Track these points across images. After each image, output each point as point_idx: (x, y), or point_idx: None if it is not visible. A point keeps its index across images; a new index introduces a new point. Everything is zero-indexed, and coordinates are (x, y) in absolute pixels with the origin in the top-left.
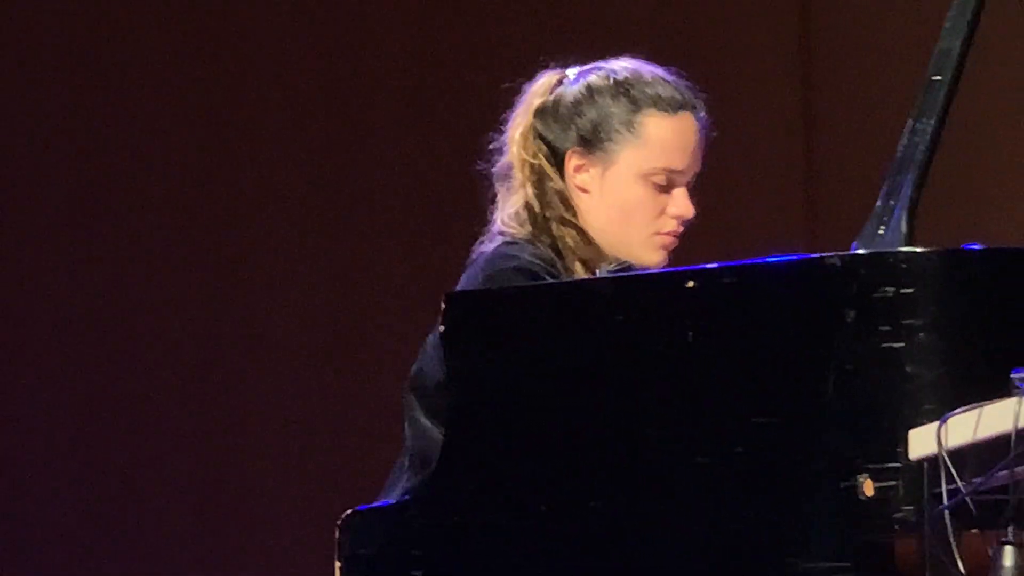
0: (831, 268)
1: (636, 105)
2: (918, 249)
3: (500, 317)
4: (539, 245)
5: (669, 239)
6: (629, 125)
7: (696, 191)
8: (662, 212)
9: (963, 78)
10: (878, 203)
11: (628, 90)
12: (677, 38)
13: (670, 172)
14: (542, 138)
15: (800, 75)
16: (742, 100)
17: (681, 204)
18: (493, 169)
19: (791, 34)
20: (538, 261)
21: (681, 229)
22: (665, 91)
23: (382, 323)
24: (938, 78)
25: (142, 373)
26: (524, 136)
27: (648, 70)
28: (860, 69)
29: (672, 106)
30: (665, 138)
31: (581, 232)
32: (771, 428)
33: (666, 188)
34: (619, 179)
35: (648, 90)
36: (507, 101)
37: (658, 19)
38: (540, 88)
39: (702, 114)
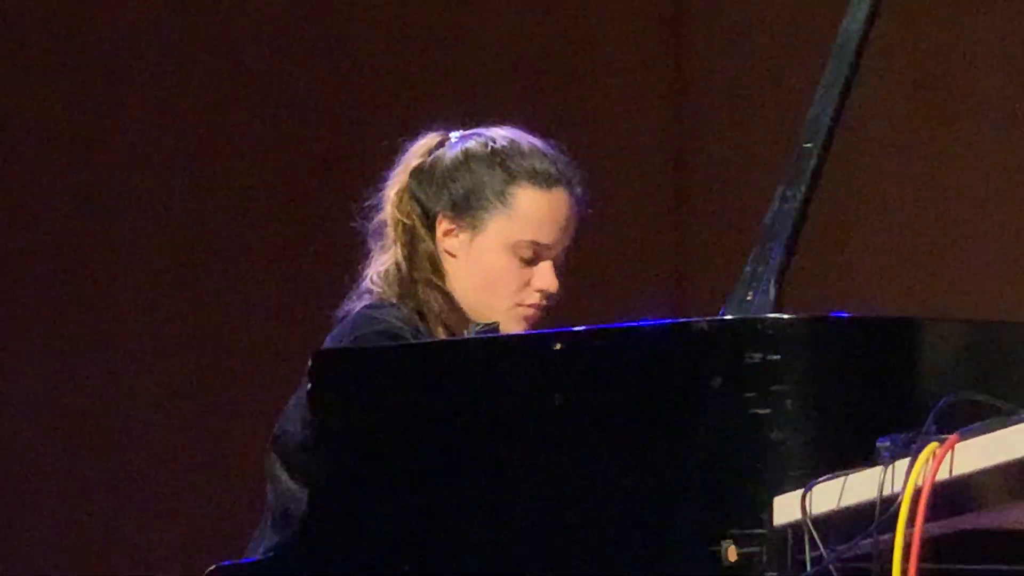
0: (698, 333)
1: (511, 176)
2: (785, 315)
3: (367, 375)
4: (403, 307)
5: (532, 311)
6: (502, 195)
7: (569, 253)
8: (526, 284)
9: (834, 145)
10: (747, 269)
11: (504, 160)
12: (549, 108)
13: (538, 245)
14: (416, 199)
15: (673, 146)
16: (614, 169)
17: (546, 278)
18: (369, 226)
19: (664, 105)
20: (402, 324)
21: (545, 303)
22: (541, 165)
23: (245, 380)
24: (808, 145)
25: None
26: (399, 195)
27: (527, 142)
28: (732, 140)
29: (546, 181)
30: (536, 212)
31: (447, 296)
32: (636, 492)
33: (532, 261)
34: (487, 247)
35: (524, 162)
36: (386, 160)
37: (532, 87)
38: (419, 149)
39: (577, 190)
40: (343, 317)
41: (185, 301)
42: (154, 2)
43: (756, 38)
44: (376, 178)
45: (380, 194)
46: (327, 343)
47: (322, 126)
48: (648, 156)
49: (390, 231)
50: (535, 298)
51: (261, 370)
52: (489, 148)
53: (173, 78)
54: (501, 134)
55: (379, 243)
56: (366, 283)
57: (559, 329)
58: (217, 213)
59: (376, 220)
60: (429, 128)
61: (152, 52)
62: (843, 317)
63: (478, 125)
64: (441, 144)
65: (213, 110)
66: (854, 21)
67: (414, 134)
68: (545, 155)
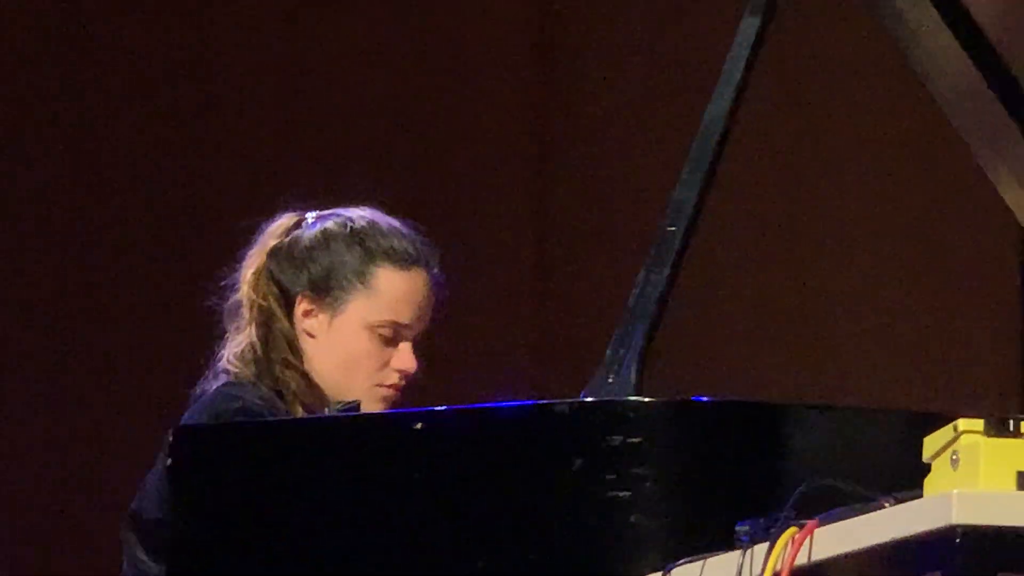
0: (559, 415)
1: (370, 256)
2: (646, 399)
3: (227, 452)
4: (261, 386)
5: (391, 392)
6: (361, 275)
7: (430, 332)
8: (386, 364)
9: (697, 229)
10: (609, 351)
11: (363, 240)
12: (409, 187)
13: (397, 326)
14: (274, 279)
15: (534, 226)
16: (475, 248)
17: (405, 358)
18: (224, 306)
19: (527, 185)
20: (260, 402)
21: (403, 383)
22: (400, 245)
23: (104, 457)
24: (672, 229)
25: None
26: (256, 276)
27: (386, 222)
28: (595, 221)
29: (405, 261)
30: (395, 292)
31: (305, 376)
32: (495, 571)
33: (392, 341)
34: (346, 328)
35: (383, 242)
36: (244, 239)
37: (391, 166)
38: (277, 229)
39: (436, 271)
40: (199, 396)
41: (38, 393)
42: None
43: (619, 118)
44: (231, 258)
45: (235, 275)
46: (184, 421)
47: (176, 205)
48: (510, 235)
49: (246, 311)
50: (394, 378)
51: (116, 435)
52: (348, 228)
53: (25, 155)
54: (359, 214)
55: (234, 323)
56: (222, 363)
57: (420, 409)
58: (75, 291)
59: (231, 300)
60: (286, 208)
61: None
62: (704, 401)
63: (336, 205)
64: (298, 225)
65: (68, 189)
66: (718, 106)
67: (271, 214)
68: (404, 235)
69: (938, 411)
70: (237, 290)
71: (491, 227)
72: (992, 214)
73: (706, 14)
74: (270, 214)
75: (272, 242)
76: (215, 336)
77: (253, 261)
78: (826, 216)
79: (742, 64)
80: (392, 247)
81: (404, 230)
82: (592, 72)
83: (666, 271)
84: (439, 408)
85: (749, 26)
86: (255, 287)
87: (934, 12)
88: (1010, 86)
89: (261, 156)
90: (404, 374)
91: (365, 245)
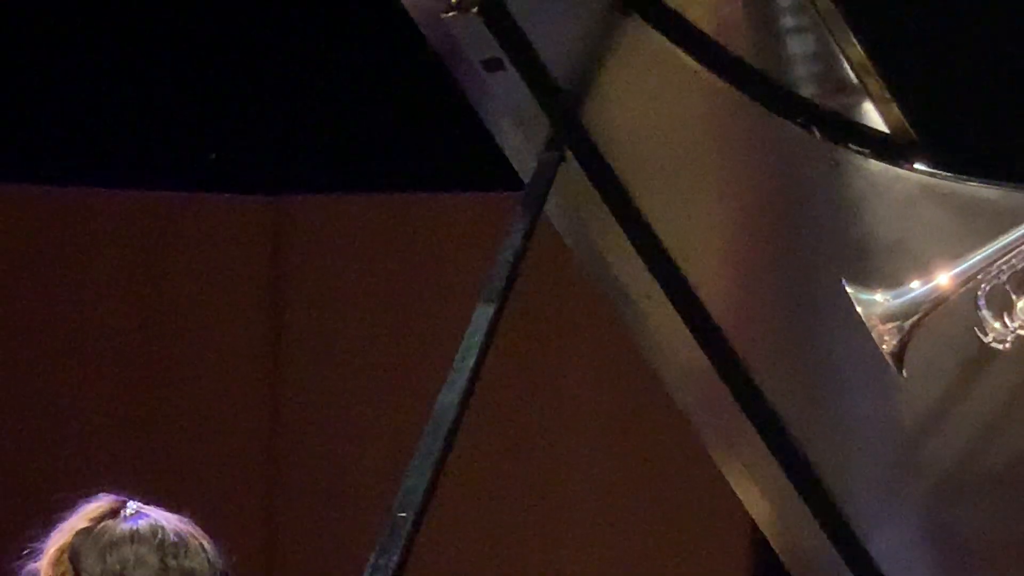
0: None
1: (164, 569)
2: None
3: None
4: None
5: None
6: None
7: None
8: None
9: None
10: None
11: (164, 555)
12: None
13: None
14: (73, 562)
15: (266, 519)
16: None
17: None
18: (22, 571)
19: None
20: None
21: None
22: (200, 568)
23: None
24: (403, 515)
25: None
26: (59, 552)
27: (198, 542)
28: (326, 526)
29: None
30: None
31: None
32: None
33: None
34: None
35: (184, 562)
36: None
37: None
38: (92, 511)
39: None
40: None
41: None
42: None
43: (351, 402)
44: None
45: (38, 544)
46: None
47: None
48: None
49: None
50: None
51: None
52: (157, 538)
53: None
54: (175, 526)
55: None
56: None
57: None
58: None
59: (27, 569)
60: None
61: None
62: None
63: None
64: (115, 513)
65: None
66: (451, 394)
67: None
68: (208, 560)
69: None
70: (36, 560)
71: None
72: (724, 499)
73: (433, 260)
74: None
75: (82, 524)
76: None
77: (60, 537)
78: (550, 496)
79: (475, 353)
80: (192, 570)
81: (211, 552)
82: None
83: (396, 557)
84: None
85: (482, 315)
86: (55, 564)
87: (662, 293)
88: (740, 372)
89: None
90: None
91: (165, 561)
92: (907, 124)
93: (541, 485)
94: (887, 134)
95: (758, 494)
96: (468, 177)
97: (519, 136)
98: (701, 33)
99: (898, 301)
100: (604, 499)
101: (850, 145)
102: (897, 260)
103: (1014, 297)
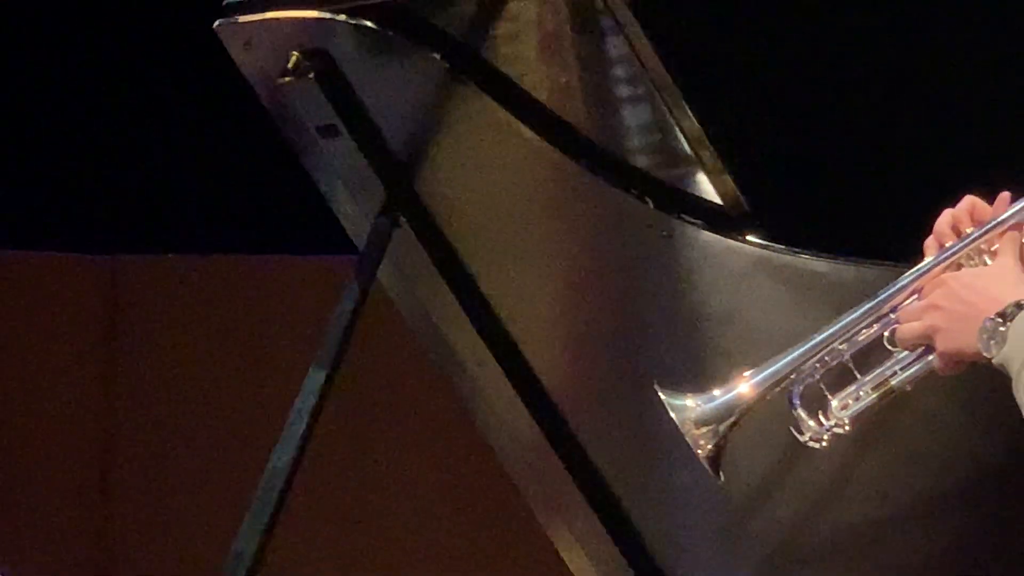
0: None
1: None
2: None
3: None
4: None
5: None
6: None
7: None
8: None
9: None
10: None
11: None
12: None
13: None
14: None
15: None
16: None
17: None
18: None
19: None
20: None
21: None
22: None
23: None
24: None
25: None
26: None
27: None
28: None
29: None
30: None
31: None
32: None
33: None
34: None
35: None
36: None
37: None
38: None
39: None
40: None
41: None
42: None
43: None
44: None
45: None
46: None
47: None
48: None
49: None
50: None
51: None
52: None
53: None
54: None
55: None
56: None
57: None
58: None
59: None
60: None
61: None
62: None
63: None
64: None
65: None
66: (282, 456)
67: None
68: None
69: None
70: None
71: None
72: (554, 569)
73: (267, 323)
74: None
75: None
76: None
77: None
78: (380, 564)
79: (306, 417)
80: None
81: None
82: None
83: None
84: None
85: (314, 380)
86: None
87: (494, 362)
88: (571, 442)
89: None
90: None
91: None
92: (740, 196)
93: (371, 553)
94: (720, 206)
95: (588, 565)
96: (303, 241)
97: (353, 201)
98: (536, 101)
99: (710, 406)
100: (434, 569)
101: (683, 216)
102: (729, 332)
103: (829, 396)
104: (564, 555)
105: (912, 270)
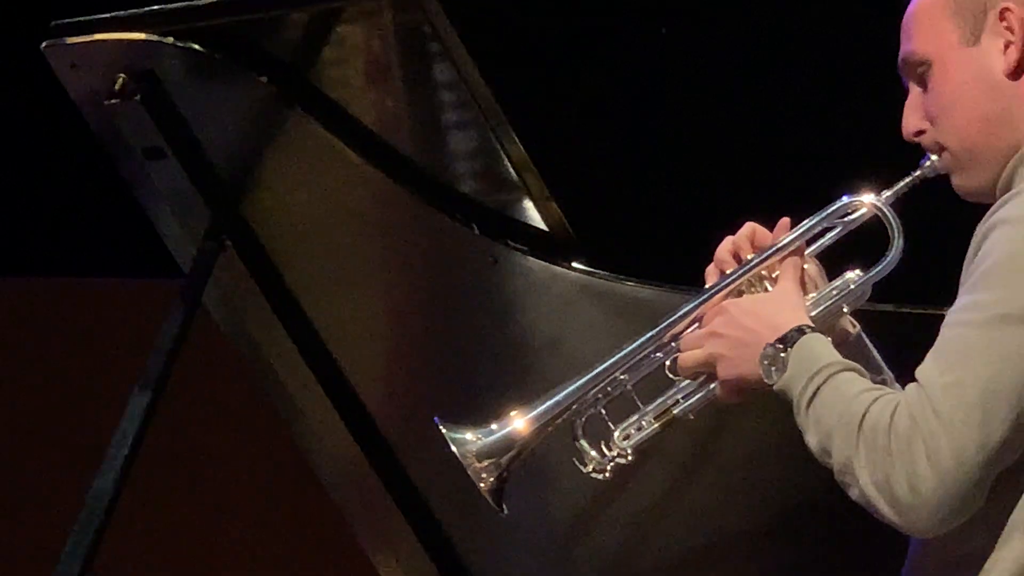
0: None
1: None
2: None
3: None
4: None
5: None
6: None
7: None
8: None
9: None
10: None
11: None
12: None
13: None
14: None
15: None
16: None
17: None
18: None
19: None
20: None
21: None
22: None
23: None
24: None
25: None
26: None
27: None
28: None
29: None
30: None
31: None
32: None
33: None
34: None
35: None
36: None
37: None
38: None
39: None
40: None
41: None
42: None
43: None
44: None
45: None
46: None
47: None
48: None
49: None
50: None
51: None
52: None
53: None
54: None
55: None
56: None
57: None
58: None
59: None
60: None
61: None
62: None
63: None
64: None
65: None
66: (105, 480)
67: None
68: None
69: None
70: None
71: None
72: None
73: (91, 346)
74: None
75: None
76: None
77: None
78: None
79: (130, 440)
80: None
81: None
82: None
83: None
84: None
85: (138, 403)
86: None
87: (318, 386)
88: (396, 469)
89: None
90: None
91: None
92: (566, 223)
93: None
94: (546, 232)
95: None
96: (129, 263)
97: (179, 225)
98: (362, 126)
99: (489, 440)
100: None
101: (509, 242)
102: (554, 358)
103: (611, 426)
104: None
105: (692, 298)
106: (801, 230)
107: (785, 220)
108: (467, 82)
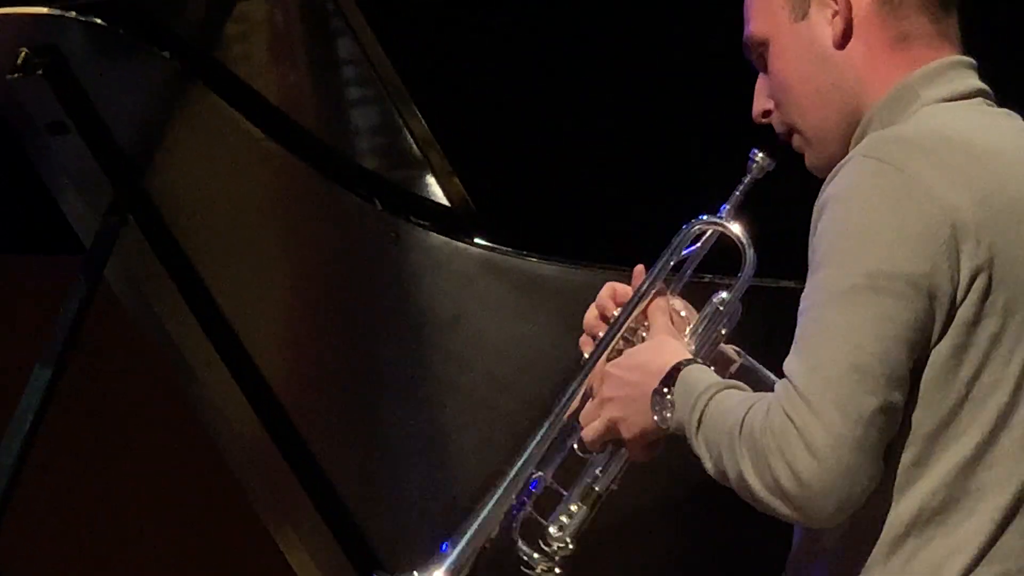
0: None
1: None
2: None
3: None
4: None
5: None
6: None
7: None
8: None
9: None
10: None
11: None
12: None
13: None
14: None
15: None
16: None
17: None
18: None
19: None
20: None
21: None
22: None
23: None
24: None
25: None
26: None
27: None
28: None
29: None
30: None
31: None
32: None
33: None
34: None
35: None
36: None
37: None
38: None
39: None
40: None
41: None
42: None
43: None
44: None
45: None
46: None
47: None
48: None
49: None
50: None
51: None
52: None
53: None
54: None
55: None
56: None
57: None
58: None
59: None
60: None
61: None
62: None
63: None
64: None
65: None
66: (5, 457)
67: None
68: None
69: None
70: None
71: None
72: (279, 569)
73: None
74: None
75: None
76: None
77: None
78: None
79: (31, 416)
80: None
81: None
82: None
83: None
84: None
85: (39, 379)
86: None
87: (220, 361)
88: (297, 443)
89: None
90: None
91: None
92: (468, 198)
93: (98, 553)
94: (448, 208)
95: (311, 564)
96: (30, 239)
97: (82, 200)
98: (265, 101)
99: None
100: (160, 569)
101: (411, 218)
102: (456, 334)
103: (543, 522)
104: (287, 554)
105: (576, 375)
106: (655, 272)
107: (639, 267)
108: (370, 58)
